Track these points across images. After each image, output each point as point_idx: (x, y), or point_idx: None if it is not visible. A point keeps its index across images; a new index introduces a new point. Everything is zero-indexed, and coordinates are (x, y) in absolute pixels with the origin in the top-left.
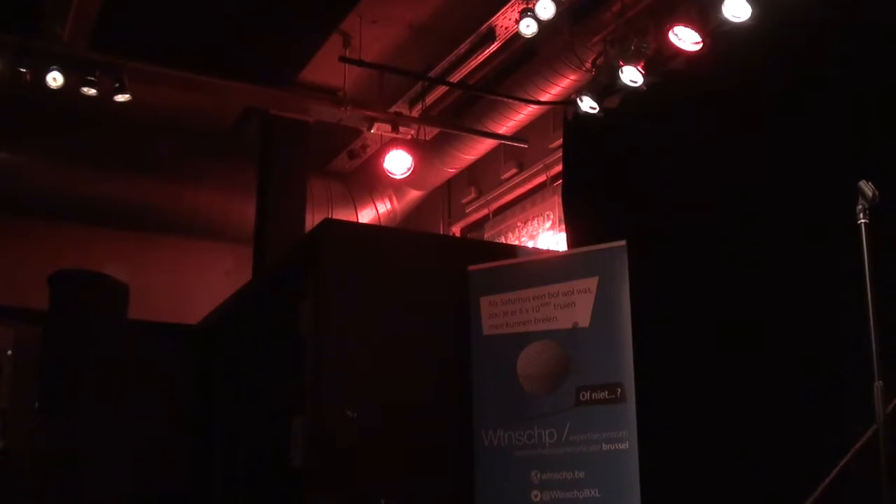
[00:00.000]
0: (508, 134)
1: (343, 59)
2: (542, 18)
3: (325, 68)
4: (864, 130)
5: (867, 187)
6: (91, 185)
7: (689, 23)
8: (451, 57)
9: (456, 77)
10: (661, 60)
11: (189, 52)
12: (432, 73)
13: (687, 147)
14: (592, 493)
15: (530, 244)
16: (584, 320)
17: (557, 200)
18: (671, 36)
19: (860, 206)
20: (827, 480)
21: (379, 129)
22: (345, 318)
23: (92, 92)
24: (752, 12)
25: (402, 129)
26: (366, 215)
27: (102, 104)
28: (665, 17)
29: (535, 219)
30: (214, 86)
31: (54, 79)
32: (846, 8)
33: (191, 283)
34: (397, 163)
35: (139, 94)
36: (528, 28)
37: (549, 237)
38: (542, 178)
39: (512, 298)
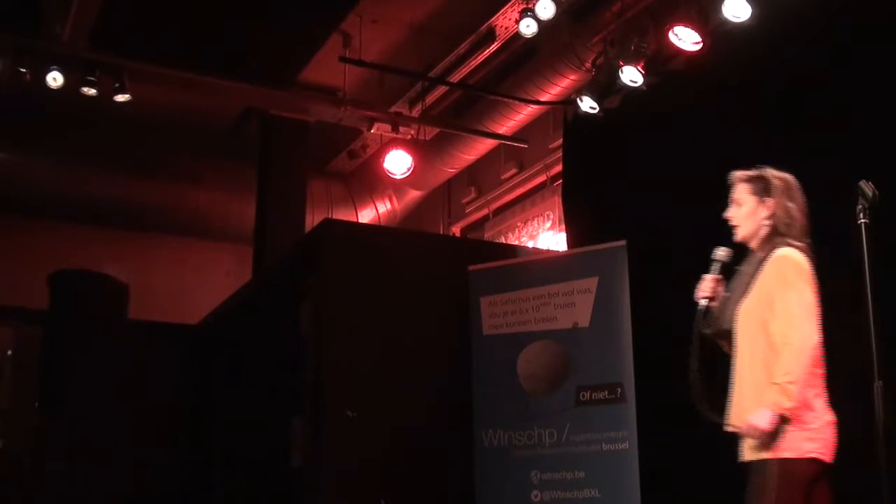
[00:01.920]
0: (508, 134)
1: (343, 59)
2: (542, 18)
3: (325, 68)
4: (864, 130)
5: (867, 187)
6: (92, 185)
7: (689, 23)
8: (451, 57)
9: (456, 77)
10: (661, 60)
11: (189, 52)
12: (432, 73)
13: (687, 147)
14: (592, 493)
15: (530, 244)
16: (584, 320)
17: (557, 200)
18: (671, 36)
19: (860, 206)
20: None
21: (379, 129)
22: (345, 318)
23: (92, 92)
24: (752, 12)
25: (401, 129)
26: (366, 215)
27: (102, 104)
28: (665, 17)
29: (535, 219)
30: (214, 86)
31: (54, 79)
32: (846, 8)
33: (191, 283)
34: (397, 163)
35: (139, 94)
36: (528, 28)
37: (549, 237)
38: (542, 178)
39: (512, 298)
